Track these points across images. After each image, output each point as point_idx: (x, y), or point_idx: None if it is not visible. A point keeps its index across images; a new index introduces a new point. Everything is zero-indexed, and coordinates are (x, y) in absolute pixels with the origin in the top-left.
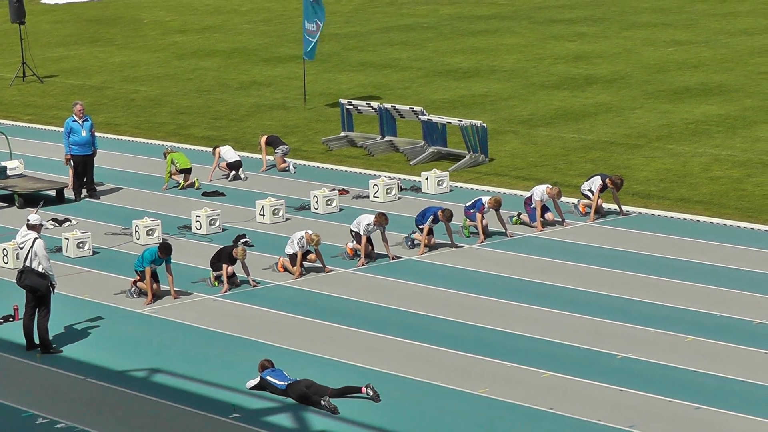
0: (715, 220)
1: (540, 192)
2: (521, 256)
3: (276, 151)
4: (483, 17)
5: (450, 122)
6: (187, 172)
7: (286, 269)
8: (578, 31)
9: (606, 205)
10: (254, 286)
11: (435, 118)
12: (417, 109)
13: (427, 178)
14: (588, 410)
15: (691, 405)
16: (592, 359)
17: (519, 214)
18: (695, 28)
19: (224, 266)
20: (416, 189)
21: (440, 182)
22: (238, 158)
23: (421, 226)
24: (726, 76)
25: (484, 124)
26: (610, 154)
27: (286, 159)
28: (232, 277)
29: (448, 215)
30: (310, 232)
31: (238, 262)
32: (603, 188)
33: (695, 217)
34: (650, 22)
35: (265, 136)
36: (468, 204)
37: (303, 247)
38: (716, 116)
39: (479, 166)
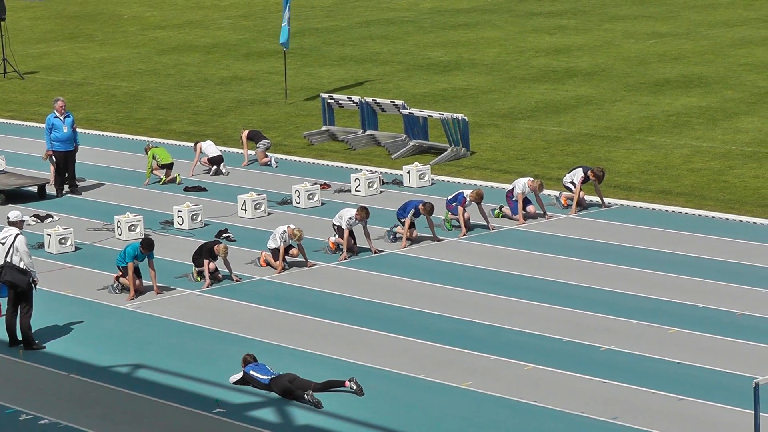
0: (697, 212)
1: (522, 185)
2: (503, 249)
3: (257, 145)
4: (463, 11)
5: (431, 116)
6: (168, 167)
7: (268, 264)
8: (558, 24)
9: (588, 197)
10: (236, 281)
11: (416, 111)
12: (398, 102)
13: (408, 172)
14: (571, 402)
15: (674, 396)
16: (575, 351)
17: (500, 207)
18: (675, 20)
19: (206, 262)
20: (398, 182)
21: (422, 176)
22: (219, 153)
23: (402, 220)
24: (706, 68)
25: (465, 118)
26: (591, 146)
27: (267, 153)
28: (214, 272)
29: (429, 209)
30: (292, 226)
31: (220, 257)
32: (585, 180)
33: (677, 209)
34: (630, 14)
35: (246, 131)
36: (450, 197)
37: (285, 241)
38: (697, 108)
39: (461, 160)
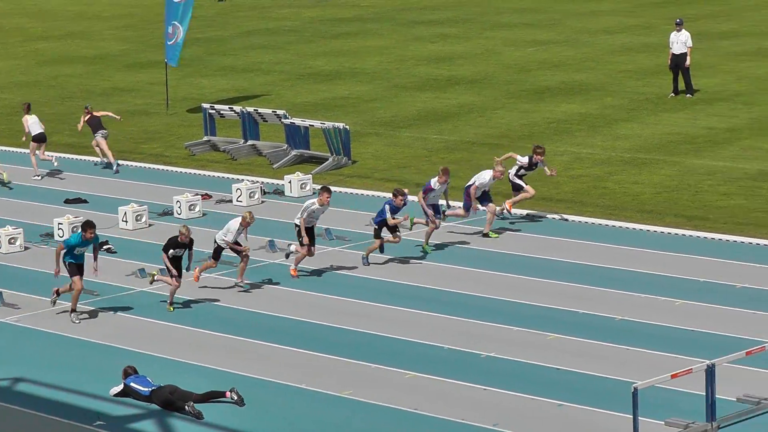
0: (577, 218)
1: (482, 178)
2: (389, 258)
3: (95, 135)
4: (345, 20)
5: (312, 125)
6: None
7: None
8: (440, 33)
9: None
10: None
11: (297, 121)
12: (279, 112)
13: (290, 182)
14: (451, 409)
15: (553, 402)
16: (455, 359)
17: (444, 212)
18: (557, 27)
19: (164, 255)
20: (279, 192)
21: (303, 185)
22: (42, 131)
23: (379, 220)
24: (587, 75)
25: (347, 127)
26: (472, 154)
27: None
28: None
29: (401, 194)
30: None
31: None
32: (533, 165)
33: (558, 216)
34: (511, 22)
35: (89, 116)
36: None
37: (238, 231)
38: (577, 115)
39: (342, 169)
